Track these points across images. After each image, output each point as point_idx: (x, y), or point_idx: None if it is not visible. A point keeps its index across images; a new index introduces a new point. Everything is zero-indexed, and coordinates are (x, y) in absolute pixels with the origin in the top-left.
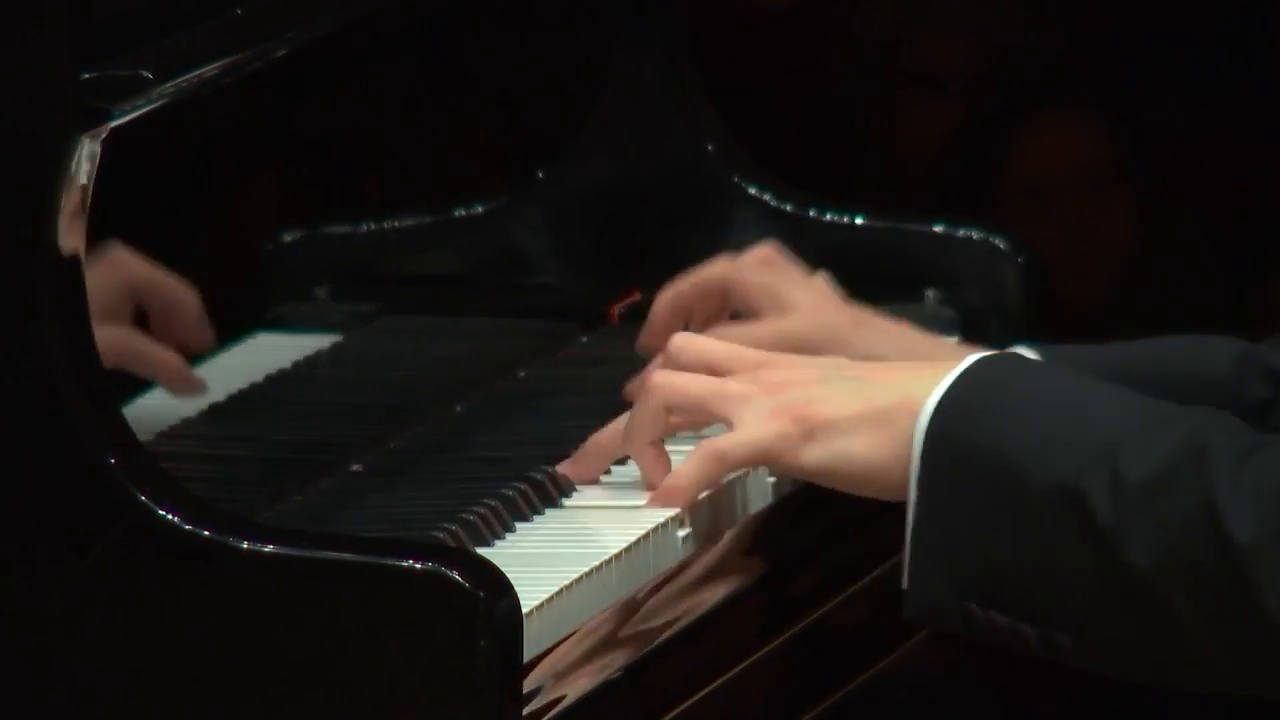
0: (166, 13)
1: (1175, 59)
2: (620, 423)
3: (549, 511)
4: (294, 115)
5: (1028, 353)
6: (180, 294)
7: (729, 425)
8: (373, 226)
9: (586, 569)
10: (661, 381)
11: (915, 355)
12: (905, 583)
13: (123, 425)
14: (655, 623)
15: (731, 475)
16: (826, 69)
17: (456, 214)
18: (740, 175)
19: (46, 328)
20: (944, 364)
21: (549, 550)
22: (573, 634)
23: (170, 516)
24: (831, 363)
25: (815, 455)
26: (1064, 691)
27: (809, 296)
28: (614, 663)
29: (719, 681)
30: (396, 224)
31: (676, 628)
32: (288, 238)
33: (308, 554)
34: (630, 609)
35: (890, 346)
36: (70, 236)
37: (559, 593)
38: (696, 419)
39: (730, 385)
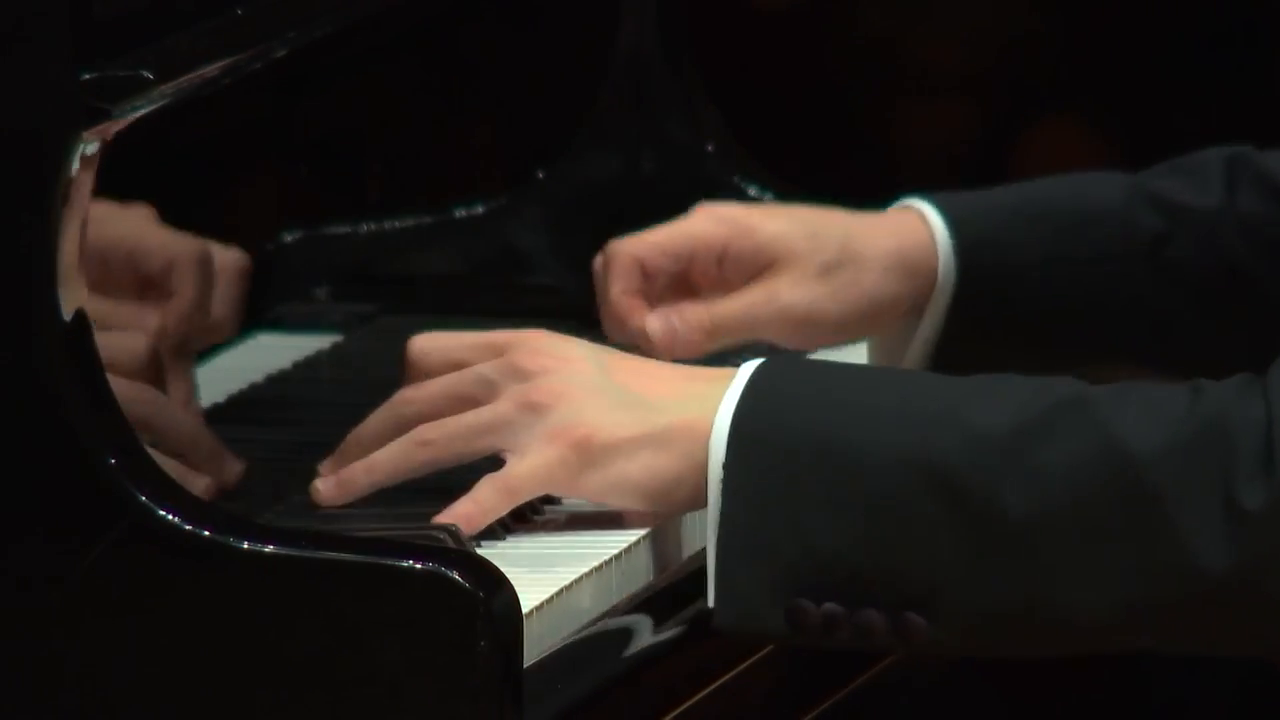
0: (166, 13)
1: (1178, 60)
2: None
3: (549, 512)
4: (294, 115)
5: (922, 204)
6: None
7: (505, 455)
8: (373, 226)
9: (586, 569)
10: (411, 413)
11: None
12: (712, 593)
13: (123, 425)
14: (655, 622)
15: None
16: (826, 69)
17: (456, 214)
18: (740, 175)
19: (46, 328)
20: (721, 375)
21: (549, 550)
22: (573, 634)
23: (170, 516)
24: (594, 357)
25: (595, 481)
26: (1064, 691)
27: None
28: (614, 663)
29: (719, 681)
30: (396, 224)
31: (677, 628)
32: (288, 238)
33: (308, 554)
34: (631, 609)
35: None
36: (70, 237)
37: (559, 593)
38: (463, 456)
39: (491, 414)
